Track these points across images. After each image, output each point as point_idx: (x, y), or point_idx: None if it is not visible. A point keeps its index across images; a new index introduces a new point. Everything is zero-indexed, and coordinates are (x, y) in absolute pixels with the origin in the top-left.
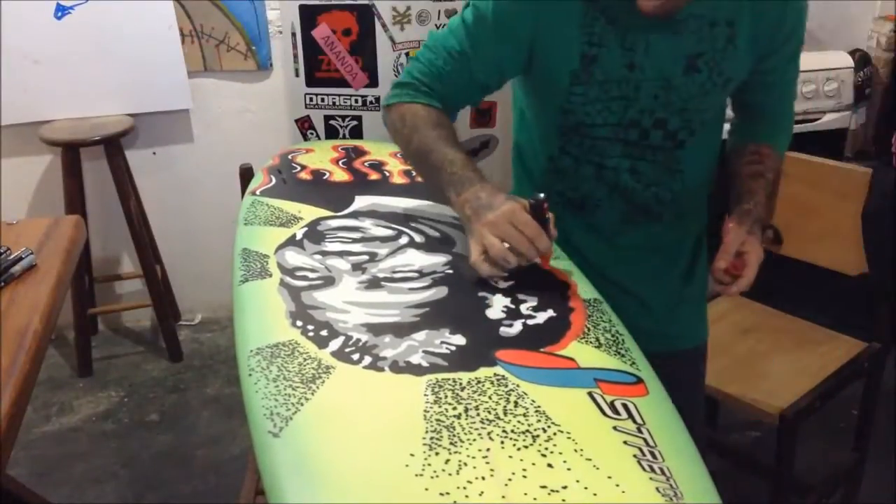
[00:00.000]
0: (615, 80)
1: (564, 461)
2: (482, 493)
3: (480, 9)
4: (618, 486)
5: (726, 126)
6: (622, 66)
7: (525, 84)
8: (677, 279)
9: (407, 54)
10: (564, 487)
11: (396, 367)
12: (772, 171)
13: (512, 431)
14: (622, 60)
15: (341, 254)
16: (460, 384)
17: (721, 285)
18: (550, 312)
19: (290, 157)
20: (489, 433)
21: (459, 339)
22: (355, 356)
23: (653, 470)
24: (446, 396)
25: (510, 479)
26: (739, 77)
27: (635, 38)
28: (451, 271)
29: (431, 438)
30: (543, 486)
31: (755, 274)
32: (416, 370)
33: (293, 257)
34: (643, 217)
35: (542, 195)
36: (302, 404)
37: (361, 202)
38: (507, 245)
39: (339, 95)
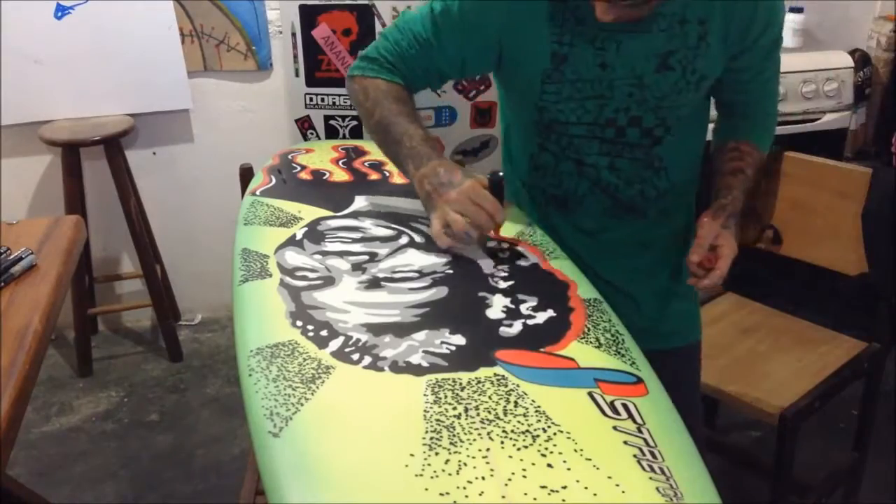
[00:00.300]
0: (588, 80)
1: (564, 461)
2: (482, 493)
3: (448, 1)
4: (618, 486)
5: (711, 126)
6: (594, 65)
7: (500, 80)
8: (666, 276)
9: None
10: (564, 487)
11: (396, 367)
12: (752, 167)
13: (512, 431)
14: (594, 60)
15: (341, 254)
16: (460, 384)
17: (694, 278)
18: (550, 312)
19: (290, 157)
20: (489, 433)
21: (459, 339)
22: (355, 356)
23: (653, 470)
24: (446, 396)
25: (510, 479)
26: (713, 74)
27: (606, 37)
28: (451, 271)
29: (431, 438)
30: (543, 486)
31: (728, 267)
32: (416, 370)
33: (293, 257)
34: (628, 213)
35: (500, 173)
36: (302, 404)
37: (361, 202)
38: (467, 220)
39: (339, 95)
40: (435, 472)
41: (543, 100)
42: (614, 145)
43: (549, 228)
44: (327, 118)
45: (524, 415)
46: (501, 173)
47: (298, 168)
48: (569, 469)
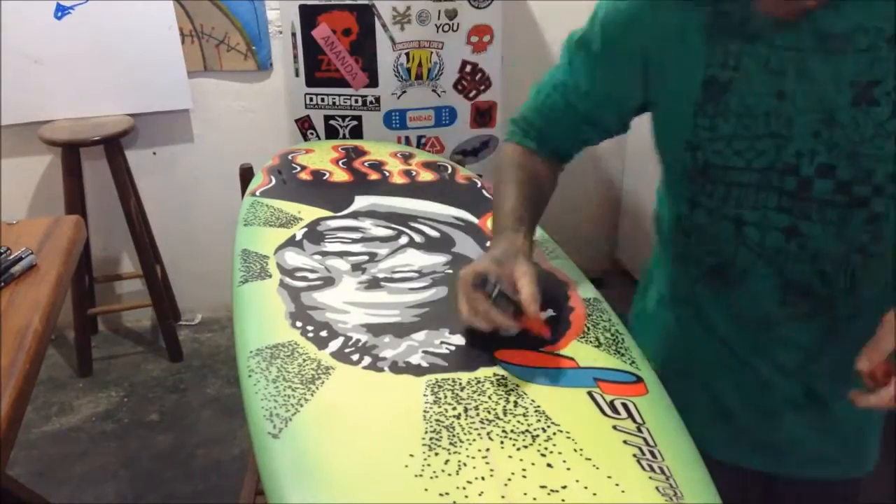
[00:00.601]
0: (761, 113)
1: (564, 461)
2: (482, 493)
3: (579, 33)
4: (617, 485)
5: None
6: (768, 94)
7: (651, 117)
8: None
9: (407, 54)
10: (564, 487)
11: (396, 368)
12: None
13: (511, 431)
14: (767, 87)
15: (341, 254)
16: (460, 384)
17: (856, 392)
18: (550, 312)
19: (289, 157)
20: (489, 433)
21: (459, 339)
22: (355, 357)
23: (652, 469)
24: (446, 396)
25: (510, 479)
26: None
27: (784, 57)
28: (450, 271)
29: (431, 439)
30: (543, 486)
31: None
32: (416, 370)
33: (293, 258)
34: (805, 300)
35: (481, 280)
36: (301, 405)
37: (361, 202)
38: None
39: (340, 95)
40: (435, 472)
41: (697, 136)
42: (798, 201)
43: (703, 319)
44: (327, 118)
45: (524, 415)
46: (494, 284)
47: (298, 168)
48: (568, 469)
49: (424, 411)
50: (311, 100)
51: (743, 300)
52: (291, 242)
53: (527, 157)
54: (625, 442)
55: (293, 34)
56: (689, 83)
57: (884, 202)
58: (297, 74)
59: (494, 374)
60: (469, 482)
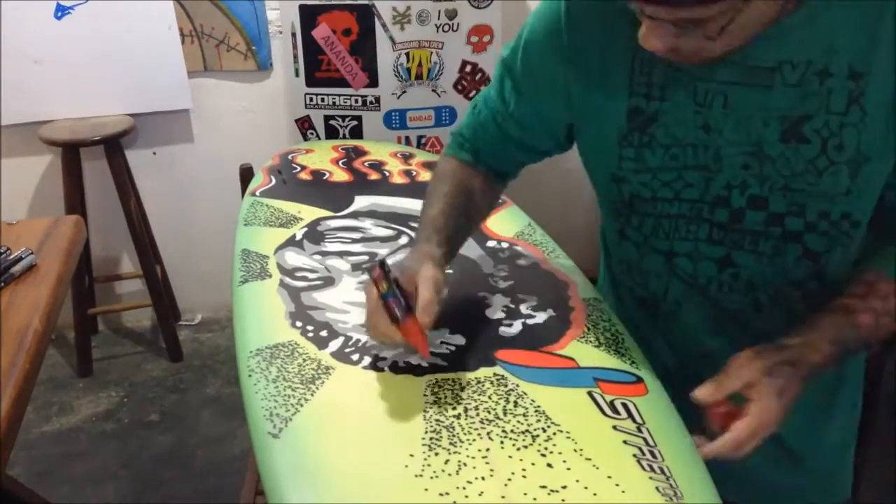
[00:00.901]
0: (688, 145)
1: (564, 461)
2: (482, 493)
3: (507, 52)
4: (617, 485)
5: None
6: (695, 126)
7: (577, 139)
8: (812, 412)
9: (407, 54)
10: (564, 487)
11: (396, 368)
12: (875, 315)
13: (511, 431)
14: (694, 119)
15: (341, 254)
16: (460, 384)
17: (698, 437)
18: (550, 312)
19: (289, 157)
20: (489, 433)
21: (459, 339)
22: (355, 356)
23: (652, 469)
24: (446, 396)
25: (510, 479)
26: (878, 157)
27: (708, 89)
28: (450, 271)
29: (431, 439)
30: (543, 486)
31: (751, 438)
32: (416, 370)
33: (293, 258)
34: (741, 332)
35: (378, 261)
36: (301, 405)
37: (361, 202)
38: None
39: (340, 95)
40: (435, 472)
41: (622, 169)
42: (730, 232)
43: (640, 342)
44: (327, 118)
45: (524, 415)
46: (381, 261)
47: (298, 168)
48: (568, 469)
49: (425, 411)
50: (311, 100)
51: (677, 331)
52: (291, 242)
53: (460, 170)
54: (625, 442)
55: (293, 34)
56: (612, 113)
57: (818, 240)
58: (297, 74)
59: (494, 374)
60: (469, 482)
